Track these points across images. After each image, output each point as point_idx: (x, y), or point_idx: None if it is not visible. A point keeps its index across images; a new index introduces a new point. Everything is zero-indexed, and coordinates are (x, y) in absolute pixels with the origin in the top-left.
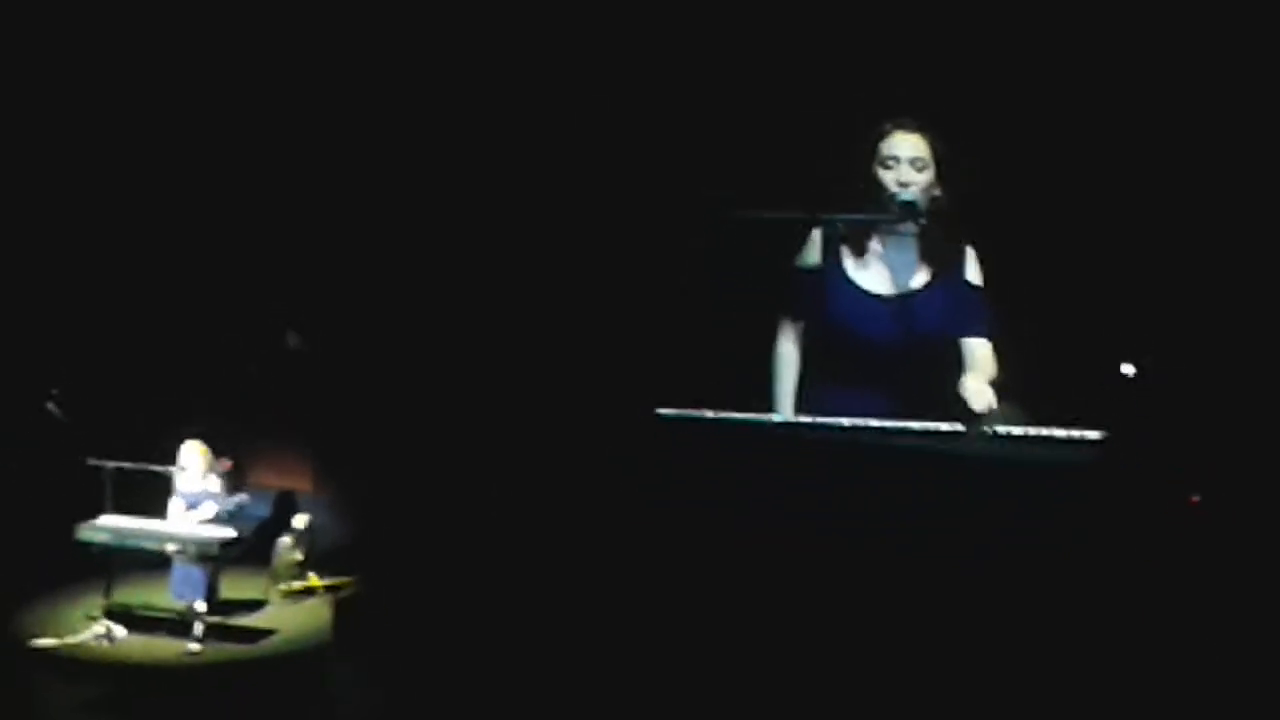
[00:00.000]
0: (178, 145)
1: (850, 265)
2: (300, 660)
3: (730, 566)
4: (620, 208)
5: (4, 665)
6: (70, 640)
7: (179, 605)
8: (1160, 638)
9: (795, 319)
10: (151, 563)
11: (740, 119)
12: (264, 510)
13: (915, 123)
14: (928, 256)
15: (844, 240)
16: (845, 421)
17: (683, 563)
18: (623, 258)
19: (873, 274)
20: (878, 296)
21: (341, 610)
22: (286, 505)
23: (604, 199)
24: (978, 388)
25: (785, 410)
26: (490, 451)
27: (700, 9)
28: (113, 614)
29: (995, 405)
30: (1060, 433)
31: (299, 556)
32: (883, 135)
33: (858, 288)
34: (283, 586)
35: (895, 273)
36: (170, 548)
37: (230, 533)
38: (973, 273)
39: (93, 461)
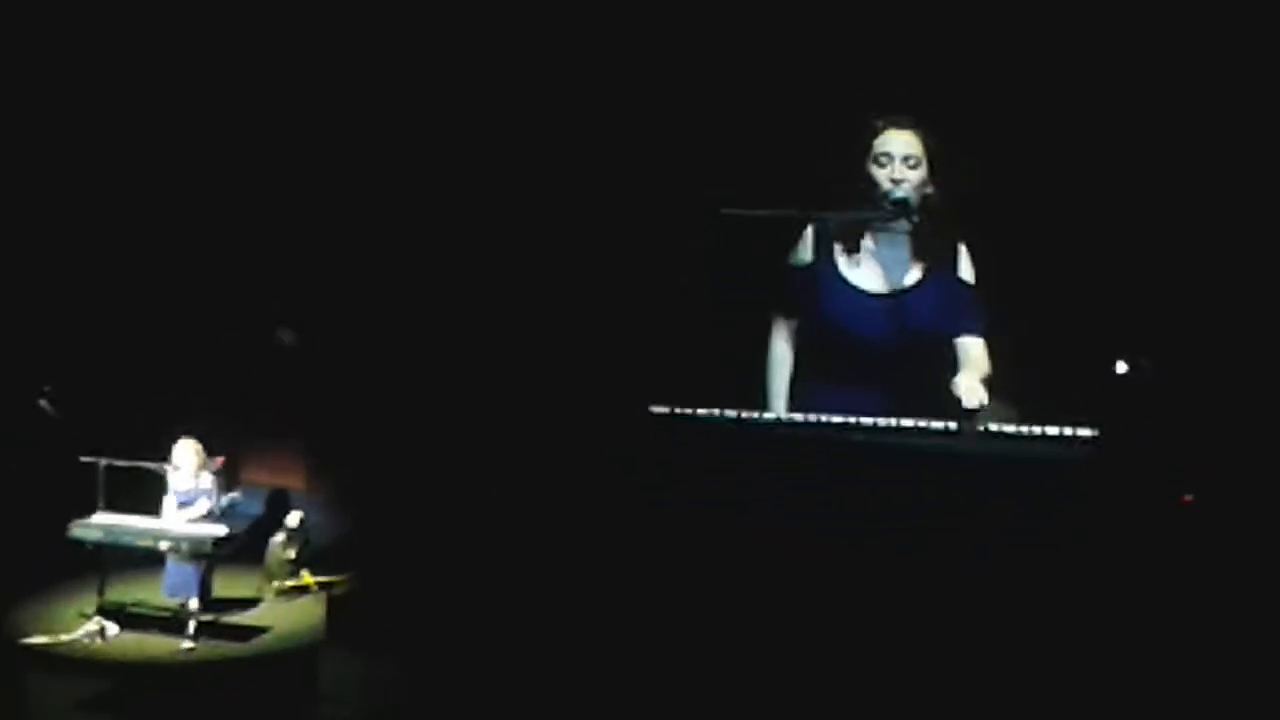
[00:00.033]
0: (173, 145)
1: (843, 263)
2: (293, 657)
3: (723, 560)
4: (617, 207)
5: None
6: (64, 638)
7: (172, 603)
8: (1153, 632)
9: (788, 317)
10: (145, 560)
11: (734, 118)
12: (257, 508)
13: (909, 120)
14: (921, 253)
15: (837, 238)
16: (838, 418)
17: (676, 556)
18: (618, 257)
19: (865, 271)
20: (870, 294)
21: (334, 608)
22: (279, 503)
23: (600, 199)
24: (970, 385)
25: (779, 407)
26: (484, 449)
27: (696, 11)
28: (106, 611)
29: (987, 402)
30: (1053, 430)
31: (292, 554)
32: (876, 132)
33: (850, 285)
34: (276, 584)
35: (888, 270)
36: (163, 545)
37: (223, 530)
38: (966, 270)
39: (86, 459)
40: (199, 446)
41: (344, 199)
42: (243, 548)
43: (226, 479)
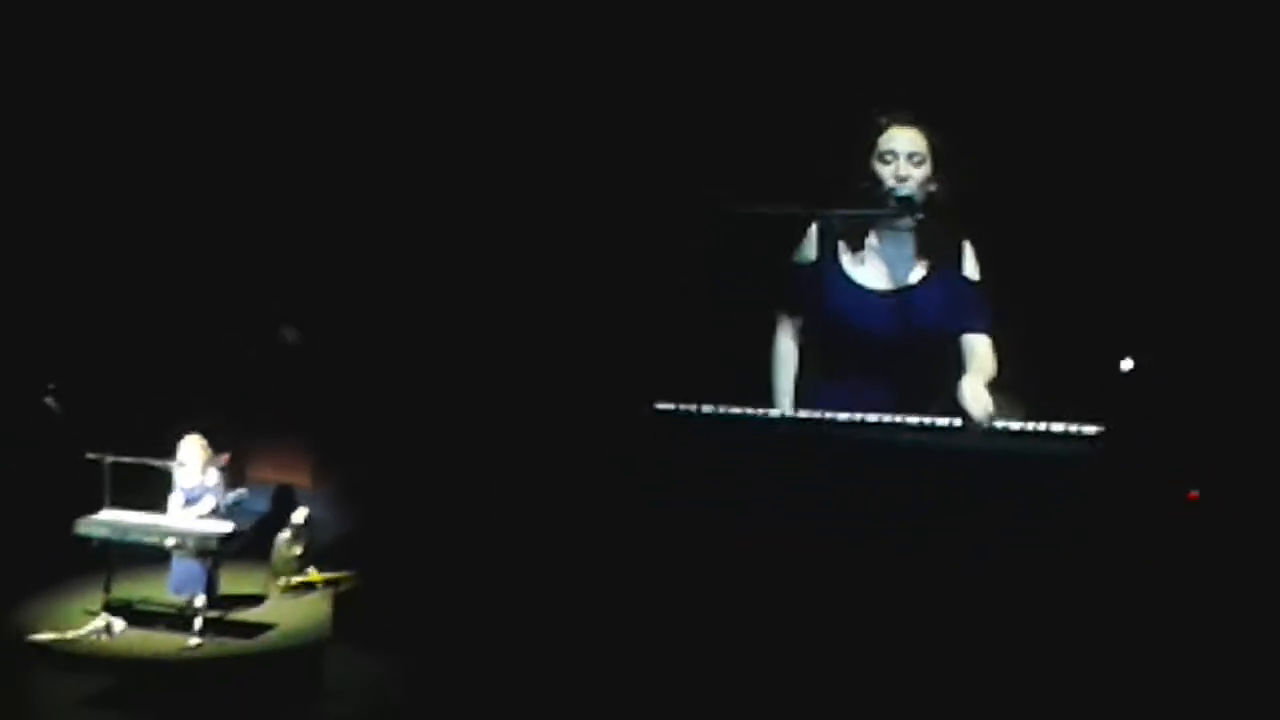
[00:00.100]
0: (174, 144)
1: (847, 260)
2: (299, 654)
3: (728, 558)
4: (619, 206)
5: (4, 660)
6: (70, 635)
7: (178, 600)
8: (1157, 629)
9: (793, 315)
10: (151, 557)
11: (738, 116)
12: (263, 505)
13: (913, 117)
14: (925, 251)
15: (841, 235)
16: (843, 416)
17: (681, 555)
18: (621, 256)
19: (870, 269)
20: (875, 291)
21: (340, 604)
22: (285, 500)
23: (602, 197)
24: (975, 394)
25: (784, 404)
26: (489, 446)
27: (698, 9)
28: (112, 608)
29: (993, 411)
30: (1058, 427)
31: (298, 551)
32: (880, 130)
33: (855, 283)
34: (282, 581)
35: (892, 268)
36: (169, 542)
37: (229, 527)
38: (970, 268)
39: (92, 456)
40: (205, 443)
41: (347, 197)
42: (248, 544)
43: (232, 476)
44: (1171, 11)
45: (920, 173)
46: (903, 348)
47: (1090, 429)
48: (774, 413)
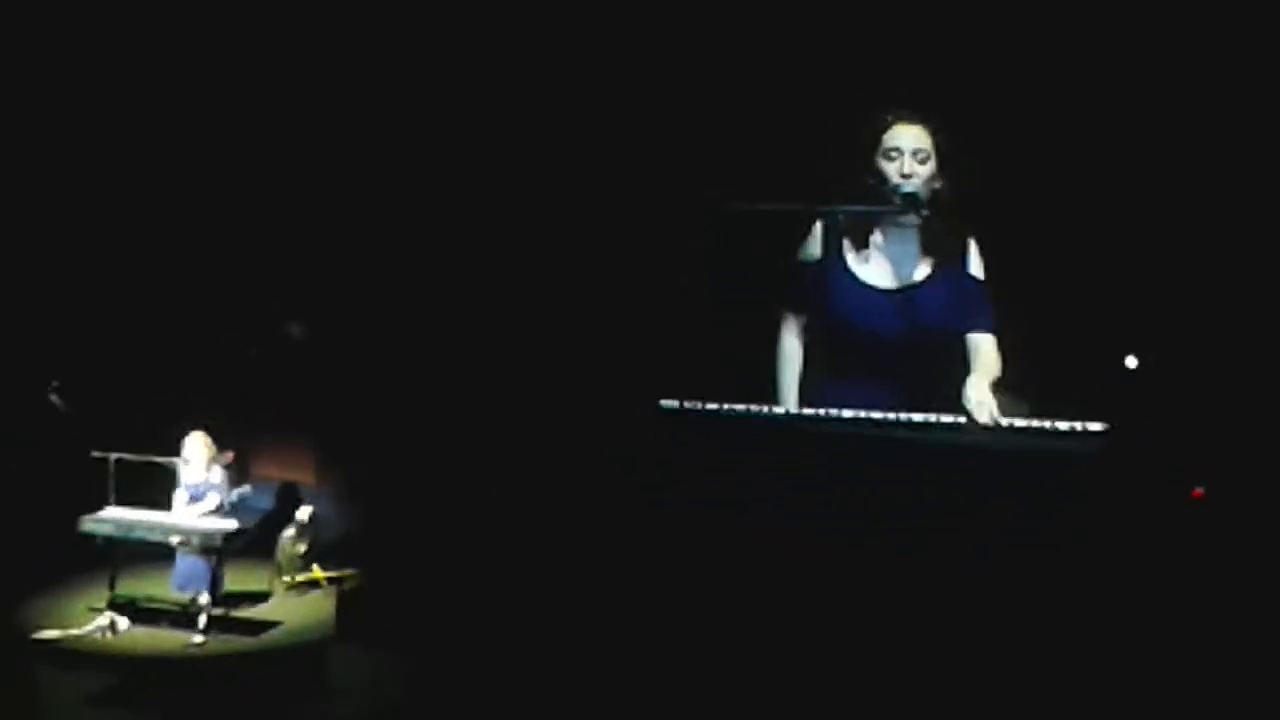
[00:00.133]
0: (178, 141)
1: (851, 258)
2: (304, 652)
3: (733, 555)
4: (620, 204)
5: (8, 657)
6: (74, 632)
7: (183, 597)
8: (1161, 627)
9: (797, 313)
10: (155, 555)
11: (742, 113)
12: (267, 502)
13: (917, 114)
14: (930, 249)
15: (845, 233)
16: (847, 413)
17: (684, 552)
18: (624, 254)
19: (874, 267)
20: (879, 290)
21: (345, 602)
22: (290, 497)
23: (605, 196)
24: (980, 398)
25: (789, 403)
26: (493, 444)
27: (700, 6)
28: (116, 606)
29: (997, 414)
30: (1063, 425)
31: (302, 549)
32: (885, 127)
33: (859, 281)
34: (286, 579)
35: (897, 266)
36: (174, 540)
37: (233, 525)
38: (975, 266)
39: (96, 454)
40: (209, 440)
41: (350, 196)
42: (253, 542)
43: (237, 473)
44: (1173, 11)
45: (925, 170)
46: (907, 346)
47: (1096, 426)
48: (778, 410)
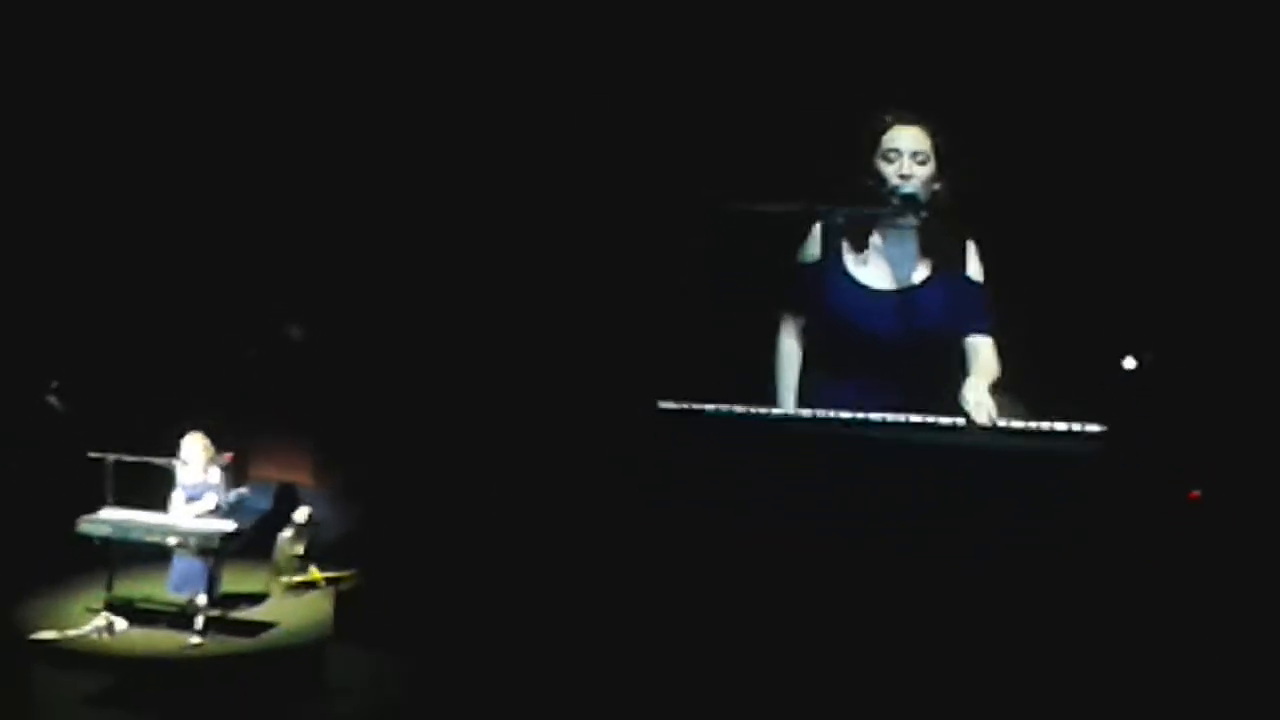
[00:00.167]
0: (177, 143)
1: (850, 260)
2: (301, 653)
3: (732, 555)
4: (621, 205)
5: (6, 658)
6: (71, 633)
7: (180, 598)
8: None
9: (797, 314)
10: (153, 556)
11: (742, 114)
12: (265, 504)
13: (916, 115)
14: (928, 251)
15: (844, 234)
16: (846, 414)
17: (683, 553)
18: (624, 255)
19: (873, 269)
20: (878, 291)
21: (343, 603)
22: (287, 499)
23: (605, 196)
24: (978, 400)
25: (788, 403)
26: (492, 445)
27: (700, 7)
28: (114, 607)
29: (994, 414)
30: (1061, 426)
31: (300, 550)
32: (884, 128)
33: (858, 283)
34: (284, 580)
35: (896, 267)
36: (171, 541)
37: (231, 526)
38: (974, 268)
39: (94, 455)
40: (207, 441)
41: (350, 197)
42: (250, 543)
43: (234, 474)
44: (1172, 12)
45: (924, 171)
46: (906, 348)
47: (1093, 427)
48: (777, 411)
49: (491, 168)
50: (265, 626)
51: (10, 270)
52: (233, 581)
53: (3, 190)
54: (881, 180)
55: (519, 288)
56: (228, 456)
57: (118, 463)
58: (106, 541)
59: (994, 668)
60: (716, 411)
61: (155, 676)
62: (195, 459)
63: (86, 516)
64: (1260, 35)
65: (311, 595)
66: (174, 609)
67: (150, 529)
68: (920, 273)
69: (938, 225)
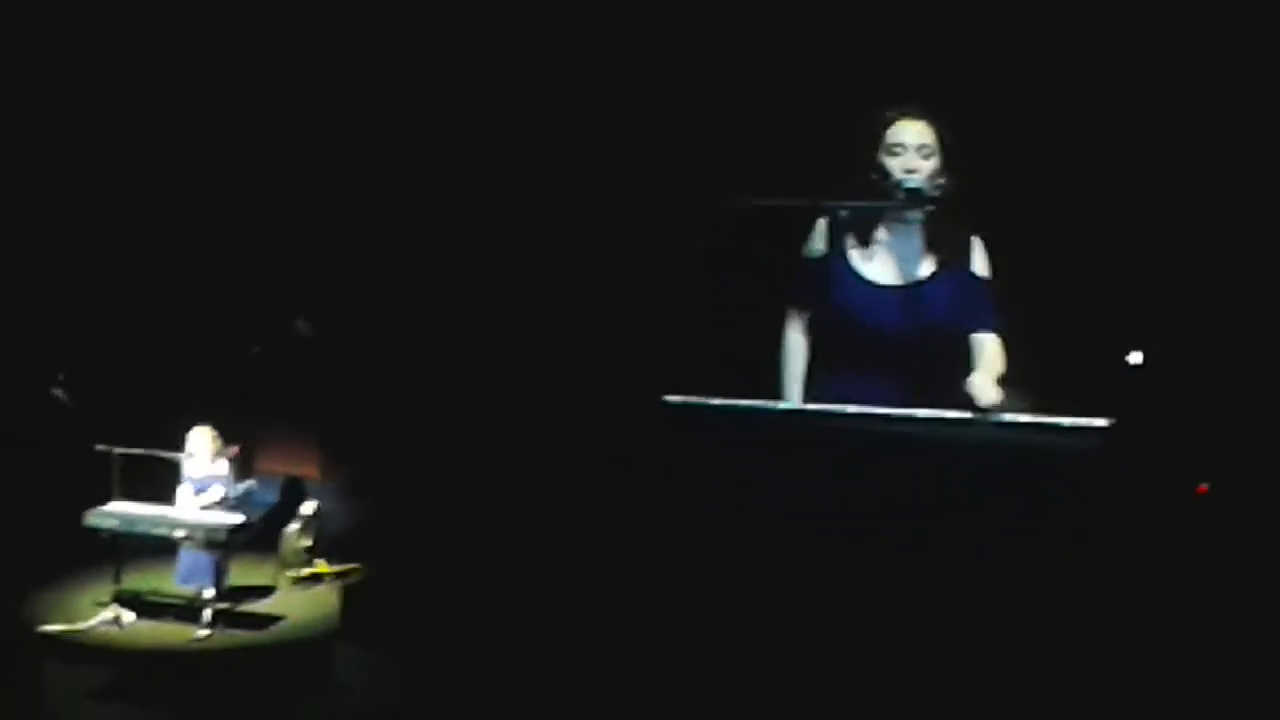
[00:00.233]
0: (183, 139)
1: (855, 255)
2: (308, 645)
3: (736, 551)
4: (623, 201)
5: (14, 651)
6: (79, 626)
7: (188, 591)
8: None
9: (802, 309)
10: (160, 549)
11: (746, 108)
12: (272, 497)
13: (921, 110)
14: (934, 246)
15: (849, 230)
16: (852, 409)
17: (688, 548)
18: (626, 252)
19: (878, 264)
20: (883, 287)
21: (349, 596)
22: (294, 492)
23: (607, 192)
24: (983, 384)
25: (793, 398)
26: (498, 440)
27: (701, 4)
28: (121, 600)
29: (999, 400)
30: (1067, 420)
31: (307, 543)
32: (889, 123)
33: (863, 278)
34: (291, 573)
35: (901, 263)
36: (178, 534)
37: (238, 519)
38: (980, 264)
39: (100, 447)
40: (214, 434)
41: (356, 193)
42: (257, 536)
43: (241, 467)
44: (1179, 7)
45: (929, 165)
46: (912, 343)
47: (1100, 422)
48: (783, 405)
49: (494, 165)
50: (272, 619)
51: (17, 262)
52: (240, 574)
53: (11, 185)
54: (886, 175)
55: (522, 285)
56: (235, 449)
57: (124, 456)
58: (113, 534)
59: (1000, 665)
60: (722, 406)
61: (162, 670)
62: (202, 451)
63: (93, 510)
64: (1263, 31)
65: (318, 588)
66: (181, 602)
67: (157, 522)
68: (926, 268)
69: (943, 220)
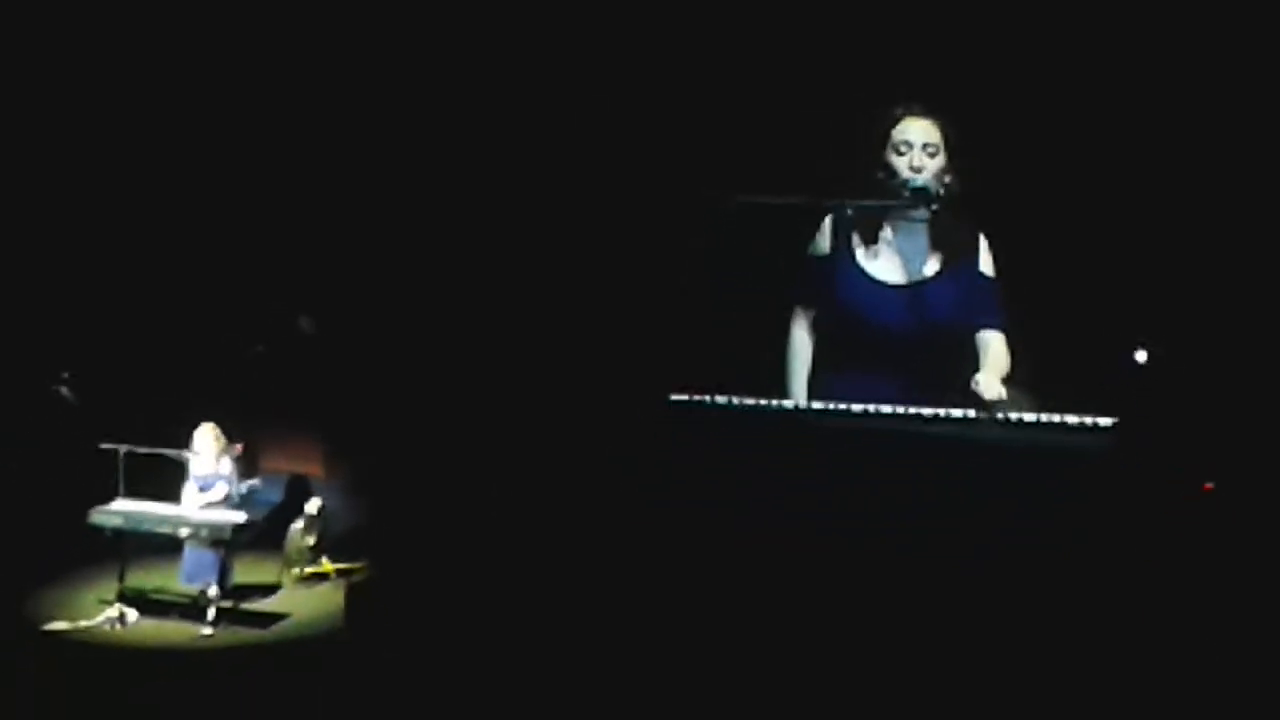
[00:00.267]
0: (186, 139)
1: (861, 254)
2: (312, 644)
3: (739, 548)
4: (626, 199)
5: (18, 649)
6: (83, 624)
7: (192, 589)
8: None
9: (807, 307)
10: (164, 547)
11: (752, 106)
12: (276, 495)
13: (927, 108)
14: (940, 244)
15: (855, 228)
16: (857, 407)
17: (692, 547)
18: (628, 251)
19: (884, 262)
20: (889, 285)
21: (353, 594)
22: (299, 490)
23: (609, 191)
24: (988, 380)
25: (798, 394)
26: (501, 438)
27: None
28: (126, 598)
29: (1004, 396)
30: (1072, 419)
31: (311, 541)
32: (895, 121)
33: (868, 276)
34: (295, 571)
35: (907, 261)
36: (183, 532)
37: (242, 517)
38: (985, 263)
39: (106, 446)
40: (219, 432)
41: (358, 193)
42: (262, 534)
43: (246, 466)
44: (1181, 7)
45: (935, 164)
46: (917, 342)
47: (1105, 420)
48: (788, 403)
49: (496, 165)
50: (277, 618)
51: (22, 262)
52: (244, 573)
53: (17, 185)
54: (892, 173)
55: (524, 284)
56: (239, 447)
57: (129, 454)
58: (118, 533)
59: (1003, 664)
60: (727, 404)
61: (166, 667)
62: (207, 449)
63: (98, 508)
64: (1267, 31)
65: (322, 587)
66: (186, 600)
67: (162, 520)
68: (931, 266)
69: (949, 219)
